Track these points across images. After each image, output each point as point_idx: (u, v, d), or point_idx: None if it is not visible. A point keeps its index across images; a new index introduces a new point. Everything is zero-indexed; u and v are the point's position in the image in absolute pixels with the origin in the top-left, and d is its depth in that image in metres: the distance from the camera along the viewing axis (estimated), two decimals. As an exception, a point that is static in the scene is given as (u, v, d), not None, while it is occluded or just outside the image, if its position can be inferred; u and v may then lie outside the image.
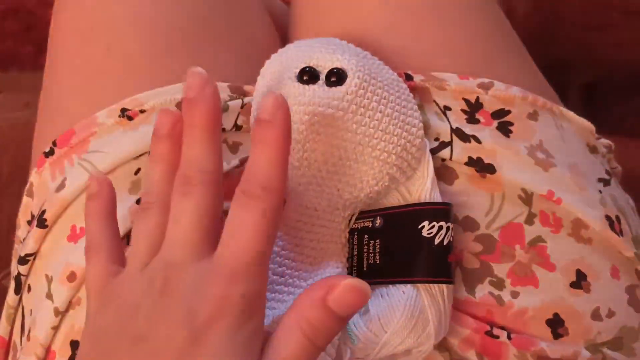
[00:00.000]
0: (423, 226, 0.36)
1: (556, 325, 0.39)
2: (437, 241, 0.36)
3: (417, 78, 0.43)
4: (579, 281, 0.39)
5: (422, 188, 0.38)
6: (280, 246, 0.39)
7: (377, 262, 0.38)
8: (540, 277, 0.39)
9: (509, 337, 0.38)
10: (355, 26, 0.46)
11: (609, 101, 0.87)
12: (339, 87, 0.37)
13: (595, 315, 0.39)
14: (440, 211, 0.37)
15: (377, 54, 0.44)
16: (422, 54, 0.44)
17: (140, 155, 0.41)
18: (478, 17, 0.46)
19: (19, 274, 0.42)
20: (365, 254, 0.38)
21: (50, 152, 0.43)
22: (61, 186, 0.41)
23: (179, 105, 0.41)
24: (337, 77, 0.37)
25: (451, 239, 0.37)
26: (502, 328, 0.38)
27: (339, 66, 0.38)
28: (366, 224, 0.39)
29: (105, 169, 0.40)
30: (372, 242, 0.38)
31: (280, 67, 0.40)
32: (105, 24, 0.44)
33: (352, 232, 0.39)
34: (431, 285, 0.36)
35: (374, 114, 0.38)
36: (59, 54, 0.47)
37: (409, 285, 0.36)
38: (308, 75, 0.38)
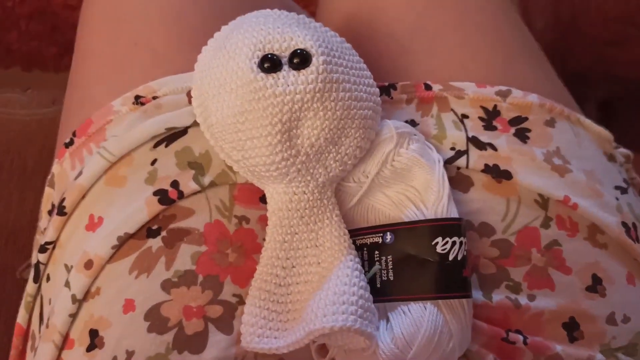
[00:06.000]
0: (437, 242, 0.37)
1: (572, 328, 0.39)
2: (451, 257, 0.36)
3: (436, 88, 0.43)
4: (595, 285, 0.39)
5: (439, 203, 0.38)
6: (279, 241, 0.38)
7: (391, 279, 0.38)
8: (556, 281, 0.39)
9: (524, 343, 0.38)
10: (381, 29, 0.46)
11: (627, 117, 0.87)
12: (308, 70, 0.36)
13: (610, 320, 0.39)
14: (454, 227, 0.37)
15: (401, 56, 0.45)
16: (445, 57, 0.45)
17: (157, 146, 0.41)
18: (499, 22, 0.47)
19: (38, 262, 0.43)
20: (378, 271, 0.38)
21: (70, 143, 0.43)
22: (79, 174, 0.42)
23: (189, 93, 0.41)
24: (301, 58, 0.36)
25: (465, 254, 0.37)
26: (518, 332, 0.39)
27: (299, 47, 0.37)
28: (375, 239, 0.38)
29: (120, 153, 0.41)
30: (383, 258, 0.38)
31: (226, 54, 0.38)
32: (134, 17, 0.45)
33: (360, 247, 0.39)
34: (451, 300, 0.36)
35: (346, 86, 0.37)
36: (87, 46, 0.48)
37: (429, 302, 0.36)
38: (270, 63, 0.36)
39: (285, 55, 0.37)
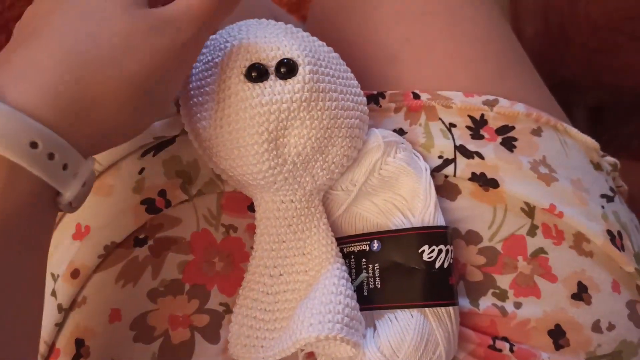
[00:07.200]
0: (423, 250, 0.37)
1: (557, 336, 0.39)
2: (437, 265, 0.37)
3: (424, 97, 0.43)
4: (580, 293, 0.40)
5: (426, 211, 0.38)
6: (267, 249, 0.39)
7: (378, 286, 0.38)
8: (542, 288, 0.40)
9: (511, 350, 0.38)
10: (372, 39, 0.47)
11: (615, 123, 0.87)
12: (294, 79, 0.37)
13: (596, 328, 0.39)
14: (440, 235, 0.38)
15: (392, 66, 0.45)
16: (435, 67, 0.45)
17: (145, 155, 0.41)
18: (489, 33, 0.47)
19: None
20: (365, 278, 0.38)
21: None
22: None
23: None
24: (287, 68, 0.37)
25: (451, 262, 0.37)
26: (505, 339, 0.39)
27: (286, 56, 0.37)
28: (363, 247, 0.39)
29: (107, 163, 0.41)
30: (370, 266, 0.38)
31: (213, 64, 0.38)
32: None
33: (348, 255, 0.39)
34: (438, 308, 0.37)
35: (332, 95, 0.38)
36: None
37: (415, 309, 0.37)
38: (257, 72, 0.37)
39: (272, 65, 0.37)
